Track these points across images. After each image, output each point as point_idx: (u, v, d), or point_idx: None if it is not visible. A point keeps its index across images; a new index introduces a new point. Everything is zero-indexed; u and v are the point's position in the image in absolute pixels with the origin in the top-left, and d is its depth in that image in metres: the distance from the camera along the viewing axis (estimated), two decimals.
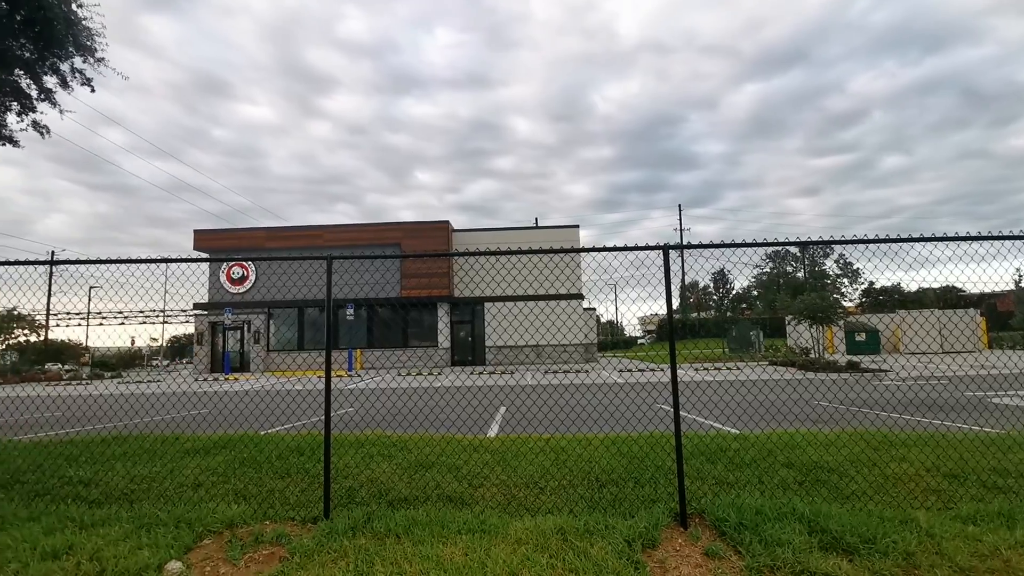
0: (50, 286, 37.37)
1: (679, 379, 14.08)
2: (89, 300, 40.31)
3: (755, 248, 4.27)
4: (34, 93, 8.83)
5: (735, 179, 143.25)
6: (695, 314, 66.41)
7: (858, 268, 60.39)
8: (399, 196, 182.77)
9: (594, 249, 4.24)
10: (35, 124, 9.13)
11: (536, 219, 67.84)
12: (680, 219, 54.81)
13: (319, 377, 21.48)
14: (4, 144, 8.88)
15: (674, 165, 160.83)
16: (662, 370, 20.40)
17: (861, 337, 28.34)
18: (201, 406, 12.33)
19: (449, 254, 4.57)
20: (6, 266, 4.42)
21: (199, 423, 8.85)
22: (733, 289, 74.00)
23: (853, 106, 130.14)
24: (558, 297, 24.57)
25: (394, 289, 27.41)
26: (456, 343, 28.46)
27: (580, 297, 26.75)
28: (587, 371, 21.67)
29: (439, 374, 21.87)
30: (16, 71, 8.38)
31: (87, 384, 24.27)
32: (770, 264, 68.36)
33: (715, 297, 76.08)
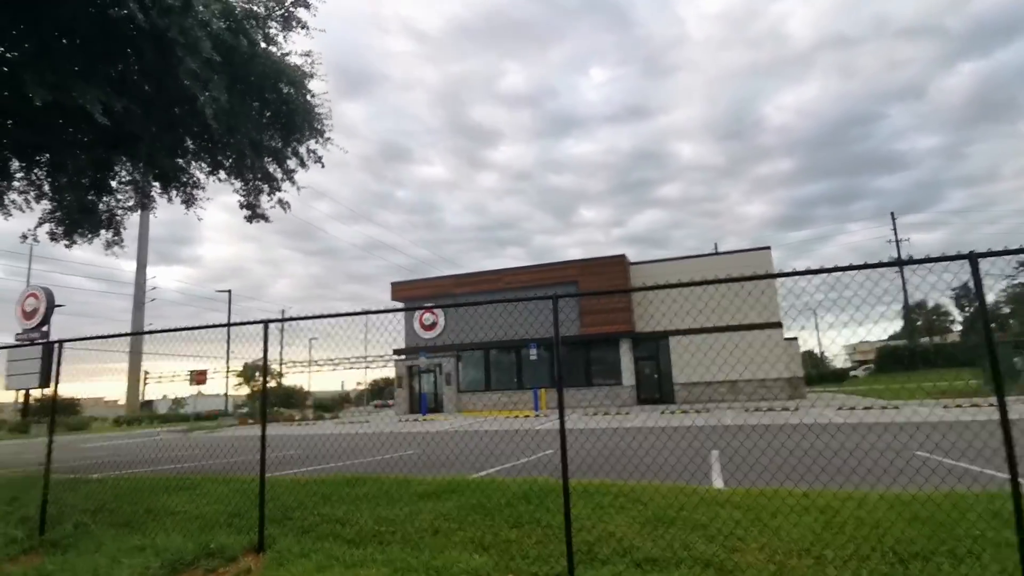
0: (282, 339, 44.45)
1: (925, 419, 11.47)
2: (310, 350, 46.95)
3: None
4: (279, 175, 10.48)
5: (958, 175, 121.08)
6: (927, 338, 55.55)
7: None
8: (565, 235, 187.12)
9: (889, 264, 3.43)
10: (280, 202, 10.79)
11: (716, 244, 63.64)
12: (895, 229, 46.95)
13: (506, 417, 21.97)
14: (259, 221, 10.58)
15: (873, 169, 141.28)
16: (895, 407, 17.08)
17: None
18: (409, 447, 13.16)
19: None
20: (272, 323, 5.01)
21: (415, 464, 9.32)
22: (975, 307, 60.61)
23: None
24: (753, 327, 22.21)
25: (573, 326, 27.27)
26: (641, 380, 27.22)
27: (779, 326, 23.97)
28: (796, 408, 19.07)
29: (627, 413, 21.00)
30: (267, 158, 10.02)
31: (313, 424, 27.90)
32: None
33: (956, 317, 62.98)
